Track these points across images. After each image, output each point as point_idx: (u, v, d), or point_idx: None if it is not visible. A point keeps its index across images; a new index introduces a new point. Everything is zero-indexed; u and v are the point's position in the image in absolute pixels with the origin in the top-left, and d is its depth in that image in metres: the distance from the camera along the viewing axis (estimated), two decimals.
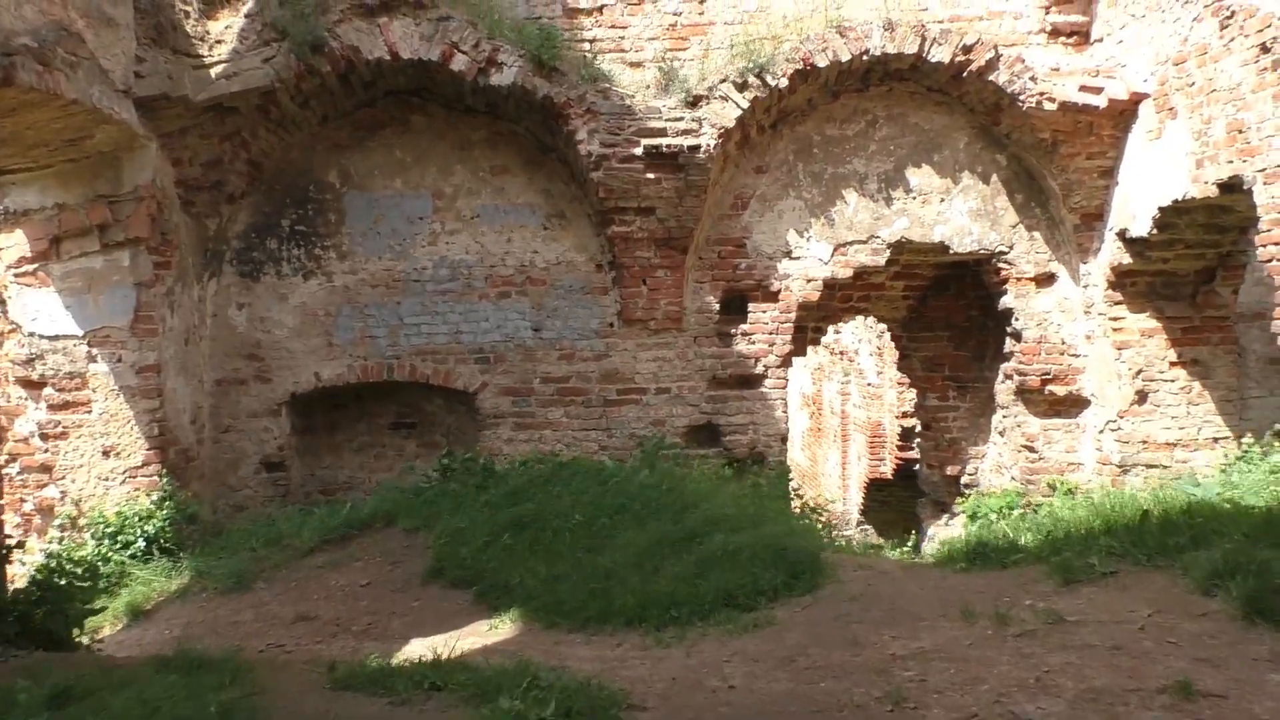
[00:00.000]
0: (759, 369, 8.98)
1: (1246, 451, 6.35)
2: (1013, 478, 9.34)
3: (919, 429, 10.27)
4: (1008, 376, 9.31)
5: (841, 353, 17.71)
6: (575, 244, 9.01)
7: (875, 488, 16.35)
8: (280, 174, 8.95)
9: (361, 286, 9.00)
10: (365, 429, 9.44)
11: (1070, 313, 9.03)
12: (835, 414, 17.87)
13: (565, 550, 6.89)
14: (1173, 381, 8.55)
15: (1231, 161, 6.92)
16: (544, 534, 7.13)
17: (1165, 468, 8.51)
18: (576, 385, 9.00)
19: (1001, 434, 9.62)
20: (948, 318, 9.91)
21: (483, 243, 9.00)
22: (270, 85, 7.98)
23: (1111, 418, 8.64)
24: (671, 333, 8.95)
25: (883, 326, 11.95)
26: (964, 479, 9.91)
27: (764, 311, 9.00)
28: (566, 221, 9.02)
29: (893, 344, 10.57)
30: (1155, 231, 8.01)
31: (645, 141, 8.27)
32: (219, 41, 7.82)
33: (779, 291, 8.99)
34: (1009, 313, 9.10)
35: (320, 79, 8.21)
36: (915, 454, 15.55)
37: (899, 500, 16.61)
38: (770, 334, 8.99)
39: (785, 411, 9.04)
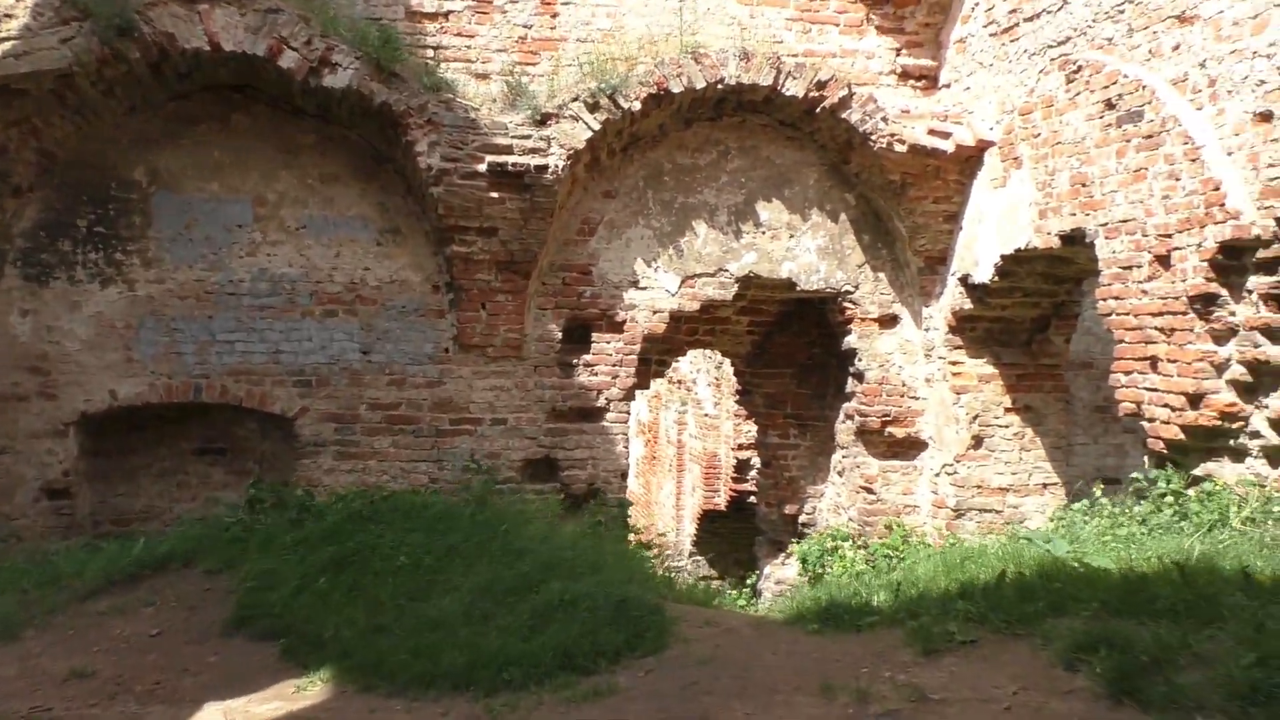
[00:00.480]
0: (601, 401, 8.61)
1: (1091, 501, 6.36)
2: (850, 519, 9.27)
3: (758, 466, 10.12)
4: (848, 416, 9.25)
5: (679, 382, 17.58)
6: (411, 262, 8.44)
7: (709, 519, 16.25)
8: (77, 167, 8.01)
9: (168, 297, 8.15)
10: (167, 454, 8.56)
11: (911, 355, 9.04)
12: (671, 443, 17.72)
13: (388, 597, 6.31)
14: (1007, 427, 8.64)
15: (1074, 214, 7.00)
16: (365, 577, 6.52)
17: (998, 512, 8.59)
18: (407, 413, 8.40)
19: (840, 474, 9.55)
20: (791, 355, 9.81)
21: (309, 256, 8.31)
22: (68, 69, 7.11)
23: (948, 461, 8.67)
24: (510, 361, 8.48)
25: (722, 358, 11.82)
26: (802, 518, 9.80)
27: (608, 342, 8.64)
28: (402, 238, 8.43)
29: (736, 379, 10.40)
30: (997, 278, 8.08)
31: (490, 158, 7.80)
32: (8, 16, 6.91)
33: (624, 322, 8.65)
34: (852, 353, 9.05)
35: (128, 66, 7.39)
36: (750, 486, 15.59)
37: (732, 532, 16.56)
38: (614, 365, 8.64)
39: (626, 446, 8.70)
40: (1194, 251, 5.88)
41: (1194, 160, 5.89)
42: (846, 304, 8.99)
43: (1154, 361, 6.24)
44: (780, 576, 9.70)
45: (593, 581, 6.22)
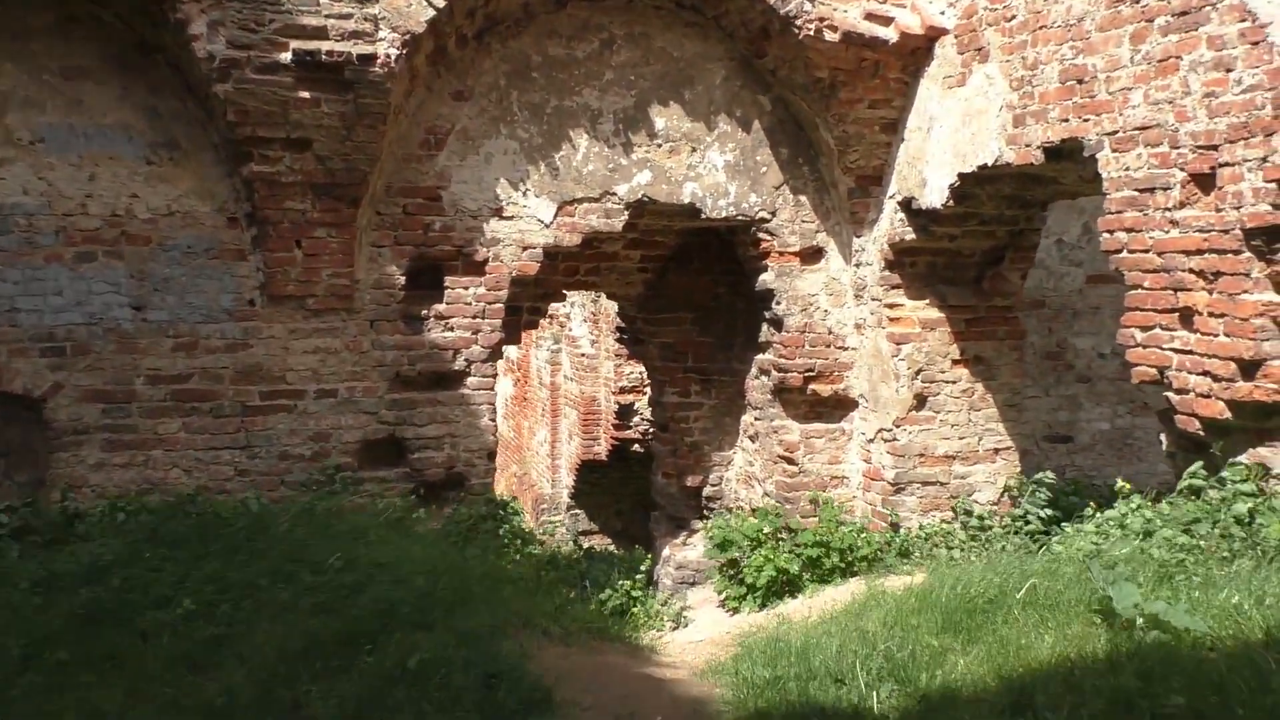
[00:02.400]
0: (459, 364, 6.76)
1: (1125, 497, 4.90)
2: (766, 493, 7.72)
3: (654, 431, 8.45)
4: (763, 371, 7.65)
5: (550, 316, 15.80)
6: (196, 187, 6.34)
7: (588, 469, 14.69)
8: None
9: None
10: None
11: (839, 296, 7.46)
12: (544, 386, 15.98)
13: (159, 669, 4.45)
14: (954, 383, 7.17)
15: (1066, 119, 5.42)
16: (127, 639, 4.64)
17: (942, 484, 7.16)
18: (201, 386, 6.39)
19: (753, 439, 7.97)
20: (692, 297, 8.10)
21: (51, 179, 6.12)
22: None
23: (885, 425, 7.16)
24: (339, 314, 6.53)
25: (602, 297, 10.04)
26: (707, 490, 8.22)
27: (466, 288, 6.76)
28: (182, 155, 6.31)
29: (625, 327, 8.65)
30: (951, 203, 6.50)
31: (296, 44, 5.75)
32: None
33: (486, 262, 6.78)
34: (768, 294, 7.41)
35: None
36: (634, 434, 14.05)
37: (614, 483, 15.15)
38: (474, 318, 6.78)
39: (494, 419, 6.89)
40: (1253, 168, 4.37)
41: (1255, 44, 4.35)
42: (761, 235, 7.31)
43: (1187, 315, 4.76)
44: (682, 560, 8.14)
45: (451, 636, 4.49)
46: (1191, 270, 4.71)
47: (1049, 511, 6.80)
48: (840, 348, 7.45)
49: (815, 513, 7.41)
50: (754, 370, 7.81)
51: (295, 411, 6.50)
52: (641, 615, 7.89)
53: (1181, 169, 4.72)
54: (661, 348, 8.11)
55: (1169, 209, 4.80)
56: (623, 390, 13.47)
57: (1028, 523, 6.83)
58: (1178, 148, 4.73)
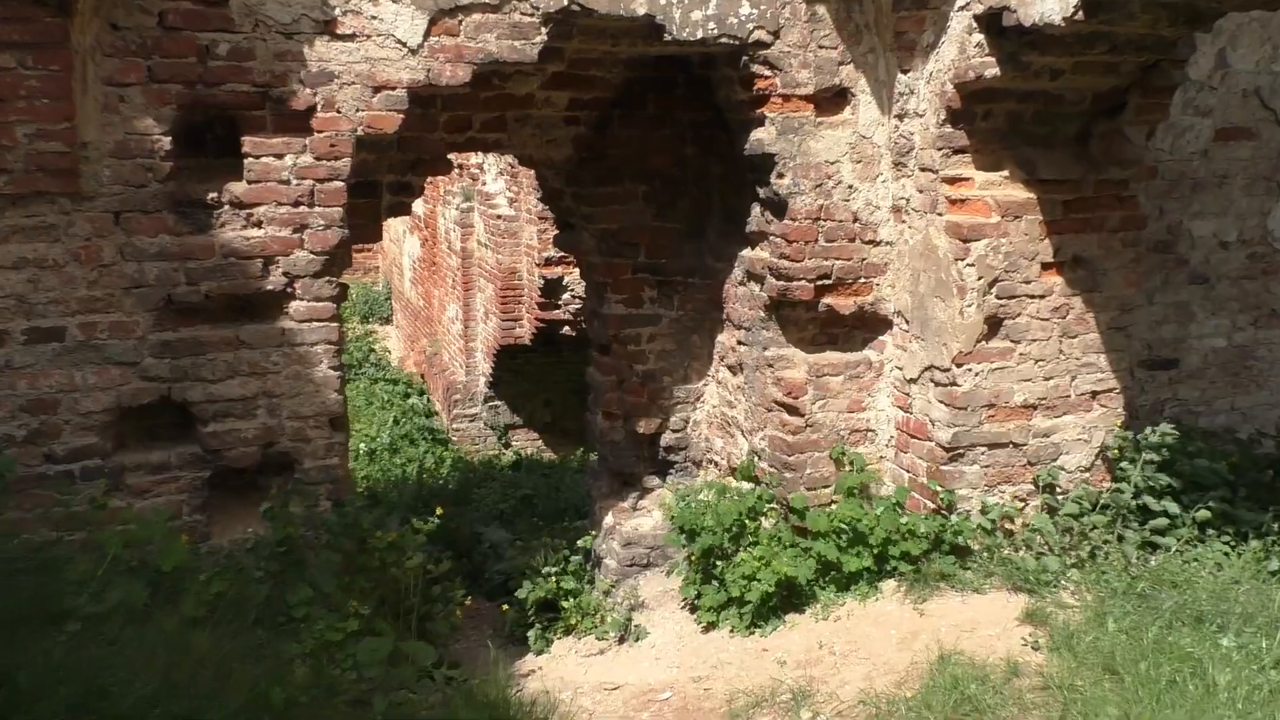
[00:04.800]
0: (274, 280, 4.16)
1: None
2: (755, 451, 5.34)
3: (593, 355, 5.94)
4: (753, 277, 5.17)
5: (461, 167, 13.07)
6: None
7: (510, 354, 12.31)
8: None
9: None
10: None
11: (870, 165, 4.93)
12: (454, 253, 13.34)
13: None
14: (1042, 298, 4.77)
15: None
16: None
17: (1017, 445, 4.83)
18: None
19: (734, 370, 5.54)
20: (644, 162, 5.45)
21: None
22: None
23: (940, 362, 4.77)
24: (55, 203, 3.86)
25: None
26: (666, 438, 5.81)
27: (280, 156, 4.09)
28: None
29: (548, 202, 6.03)
30: (1079, 14, 3.93)
31: None
32: None
33: (312, 112, 4.10)
34: (765, 162, 4.85)
35: None
36: (562, 314, 11.63)
37: (540, 370, 12.88)
38: (296, 205, 4.14)
39: (337, 364, 4.34)
40: None
41: None
42: (756, 68, 4.70)
43: None
44: (632, 533, 5.79)
45: None
46: None
47: (1165, 481, 4.60)
48: (870, 241, 4.97)
49: (830, 481, 5.08)
50: (738, 273, 5.31)
51: None
52: (575, 615, 5.64)
53: None
54: (601, 237, 5.53)
55: None
56: (549, 262, 11.06)
57: (1146, 511, 4.61)
58: None
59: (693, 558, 5.17)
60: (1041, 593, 4.38)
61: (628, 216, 5.51)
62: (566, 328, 11.37)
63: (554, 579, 5.71)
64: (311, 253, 4.18)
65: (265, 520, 4.05)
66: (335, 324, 4.29)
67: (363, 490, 10.34)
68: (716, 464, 5.75)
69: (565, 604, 5.65)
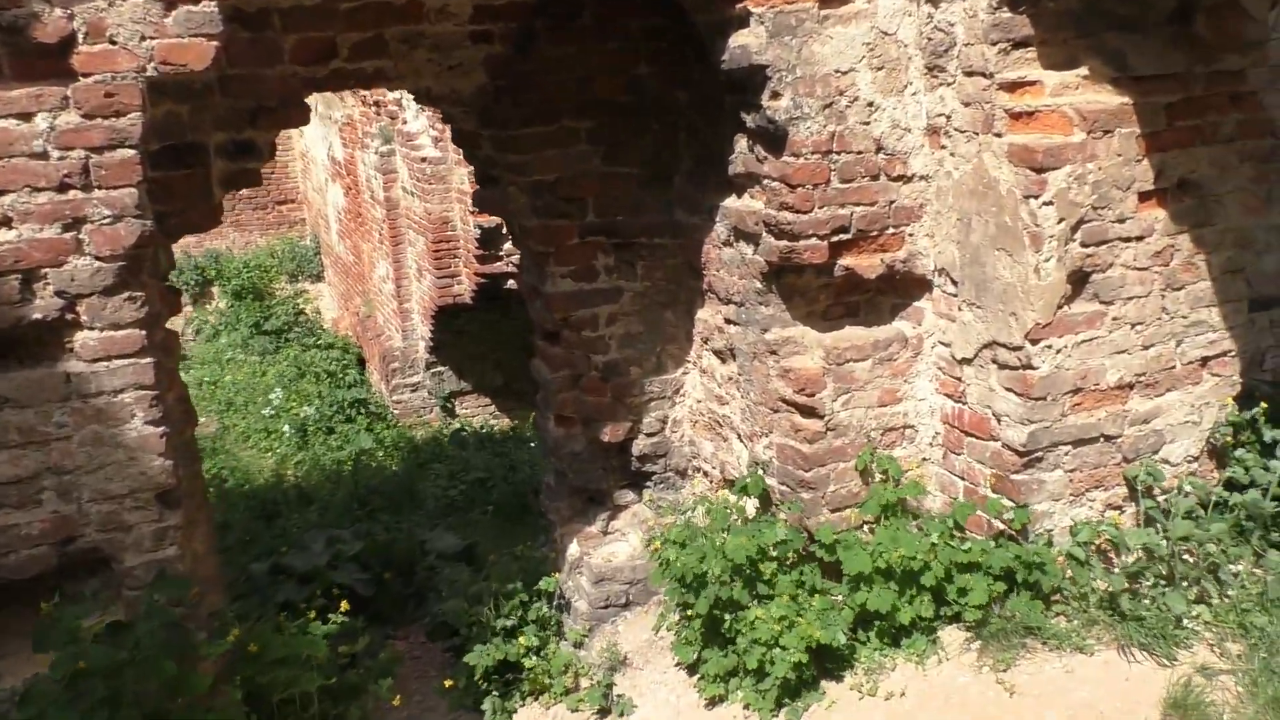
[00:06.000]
0: (40, 306, 2.77)
1: None
2: (758, 461, 4.06)
3: (537, 342, 4.59)
4: (743, 235, 3.83)
5: (378, 104, 11.58)
6: None
7: (450, 315, 10.96)
8: None
9: None
10: None
11: (895, 73, 3.58)
12: (378, 202, 11.85)
13: None
14: (1140, 240, 3.49)
15: None
16: None
17: (1109, 439, 3.60)
18: None
19: (723, 356, 4.23)
20: (584, 90, 4.06)
21: None
22: None
23: (1007, 338, 3.49)
24: None
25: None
26: (639, 446, 4.51)
27: (25, 116, 2.68)
28: None
29: (464, 153, 4.62)
30: None
31: None
32: None
33: (70, 45, 2.68)
34: (751, 76, 3.48)
35: None
36: (503, 267, 10.28)
37: (484, 328, 11.59)
38: (63, 188, 2.74)
39: (159, 420, 2.98)
40: None
41: None
42: None
43: None
44: (604, 565, 4.52)
45: None
46: None
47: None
48: (899, 178, 3.64)
49: (860, 496, 3.83)
50: (721, 230, 3.97)
51: None
52: (543, 678, 4.40)
53: None
54: (534, 192, 4.16)
55: None
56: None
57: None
58: None
59: (691, 614, 3.92)
60: (1173, 653, 3.19)
61: (568, 163, 4.13)
62: (511, 281, 10.03)
63: (513, 639, 4.45)
64: (97, 259, 2.79)
65: (37, 647, 2.72)
66: (150, 359, 2.92)
67: (290, 486, 9.06)
68: (706, 473, 4.48)
69: (528, 662, 4.41)
